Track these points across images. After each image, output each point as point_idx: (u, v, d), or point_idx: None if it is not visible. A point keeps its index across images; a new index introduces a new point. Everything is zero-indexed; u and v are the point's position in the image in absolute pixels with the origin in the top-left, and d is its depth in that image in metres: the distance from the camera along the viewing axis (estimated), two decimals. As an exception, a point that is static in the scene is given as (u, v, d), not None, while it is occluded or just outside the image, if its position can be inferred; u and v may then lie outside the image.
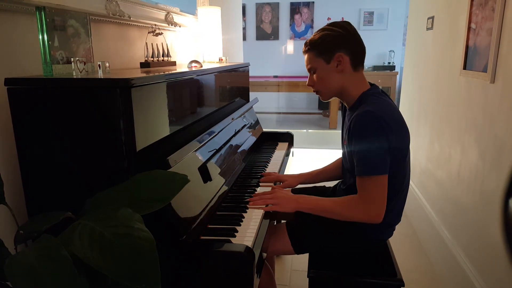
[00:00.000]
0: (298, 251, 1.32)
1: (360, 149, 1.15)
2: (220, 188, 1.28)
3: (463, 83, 1.79)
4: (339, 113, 5.54)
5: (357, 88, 1.25)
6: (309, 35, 6.87)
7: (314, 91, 1.31)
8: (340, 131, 1.42)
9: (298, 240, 1.32)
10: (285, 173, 1.79)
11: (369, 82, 1.30)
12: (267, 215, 1.24)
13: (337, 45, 1.21)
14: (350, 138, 1.19)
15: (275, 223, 1.86)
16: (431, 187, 2.27)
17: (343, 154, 1.41)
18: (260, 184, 1.49)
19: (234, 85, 1.92)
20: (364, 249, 1.34)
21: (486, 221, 1.49)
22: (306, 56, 1.28)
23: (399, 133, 1.18)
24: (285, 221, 1.45)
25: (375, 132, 1.12)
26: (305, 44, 1.27)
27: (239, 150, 1.61)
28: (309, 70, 1.29)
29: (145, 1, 1.67)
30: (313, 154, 4.24)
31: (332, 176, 1.59)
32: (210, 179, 1.22)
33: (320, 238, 1.33)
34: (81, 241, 0.66)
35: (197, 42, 2.26)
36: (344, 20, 1.27)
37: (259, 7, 6.86)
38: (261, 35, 6.97)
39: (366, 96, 1.23)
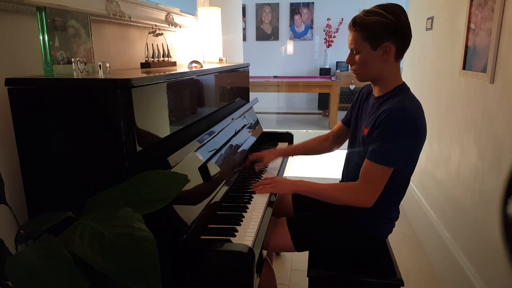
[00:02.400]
0: (298, 247, 1.33)
1: (384, 138, 1.14)
2: (220, 188, 1.28)
3: (463, 83, 1.80)
4: (339, 113, 5.53)
5: (393, 79, 1.24)
6: (309, 36, 6.91)
7: (351, 70, 1.28)
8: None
9: (298, 235, 1.33)
10: (285, 172, 1.82)
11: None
12: (270, 204, 1.28)
13: (387, 35, 1.16)
14: (377, 126, 1.17)
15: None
16: (430, 186, 2.27)
17: (348, 155, 1.41)
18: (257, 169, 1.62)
19: (234, 85, 1.92)
20: (364, 246, 1.35)
21: (485, 221, 1.49)
22: (351, 35, 1.21)
23: (423, 135, 1.20)
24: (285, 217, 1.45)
25: (408, 130, 1.13)
26: (354, 22, 1.19)
27: (239, 150, 1.61)
28: (351, 49, 1.24)
29: (145, 2, 1.67)
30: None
31: (310, 150, 1.65)
32: (210, 179, 1.22)
33: (321, 233, 1.34)
34: (81, 241, 0.66)
35: (197, 43, 2.26)
36: (397, 4, 1.19)
37: (259, 7, 6.87)
38: (261, 36, 6.97)
39: (401, 90, 1.23)
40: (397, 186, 1.25)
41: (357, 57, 1.22)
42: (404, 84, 1.25)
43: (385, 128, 1.14)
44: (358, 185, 1.19)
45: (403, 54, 1.22)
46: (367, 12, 1.18)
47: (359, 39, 1.19)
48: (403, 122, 1.13)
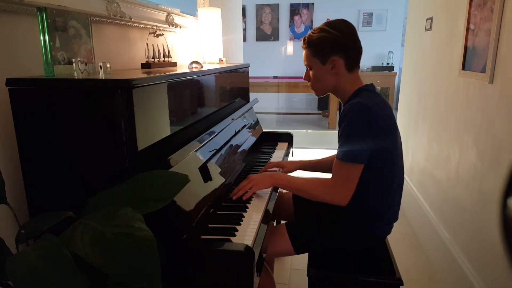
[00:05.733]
0: (298, 251, 1.33)
1: (345, 136, 1.18)
2: (221, 188, 1.28)
3: (462, 84, 1.80)
4: (338, 113, 5.53)
5: (351, 86, 1.28)
6: (309, 36, 6.92)
7: (310, 86, 1.36)
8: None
9: (298, 240, 1.32)
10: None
11: (366, 83, 1.32)
12: (266, 216, 1.24)
13: (332, 49, 1.24)
14: (340, 127, 1.23)
15: (274, 224, 1.87)
16: (429, 186, 2.28)
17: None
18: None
19: (234, 86, 1.93)
20: (363, 248, 1.35)
21: (484, 221, 1.50)
22: (304, 52, 1.31)
23: (386, 131, 1.20)
24: (285, 222, 1.45)
25: (362, 123, 1.16)
26: (304, 40, 1.30)
27: (239, 150, 1.61)
28: (306, 66, 1.33)
29: (146, 2, 1.68)
30: (312, 154, 4.25)
31: (329, 168, 1.59)
32: (211, 179, 1.22)
33: (320, 237, 1.34)
34: (82, 241, 0.66)
35: (198, 43, 2.26)
36: (342, 19, 1.27)
37: (259, 8, 6.87)
38: (261, 36, 6.97)
39: (361, 91, 1.27)
40: (384, 186, 1.25)
41: (311, 72, 1.31)
42: (365, 85, 1.29)
43: (344, 126, 1.19)
44: (331, 183, 1.22)
45: (356, 65, 1.28)
46: (314, 30, 1.27)
47: (310, 56, 1.28)
48: (359, 116, 1.16)
